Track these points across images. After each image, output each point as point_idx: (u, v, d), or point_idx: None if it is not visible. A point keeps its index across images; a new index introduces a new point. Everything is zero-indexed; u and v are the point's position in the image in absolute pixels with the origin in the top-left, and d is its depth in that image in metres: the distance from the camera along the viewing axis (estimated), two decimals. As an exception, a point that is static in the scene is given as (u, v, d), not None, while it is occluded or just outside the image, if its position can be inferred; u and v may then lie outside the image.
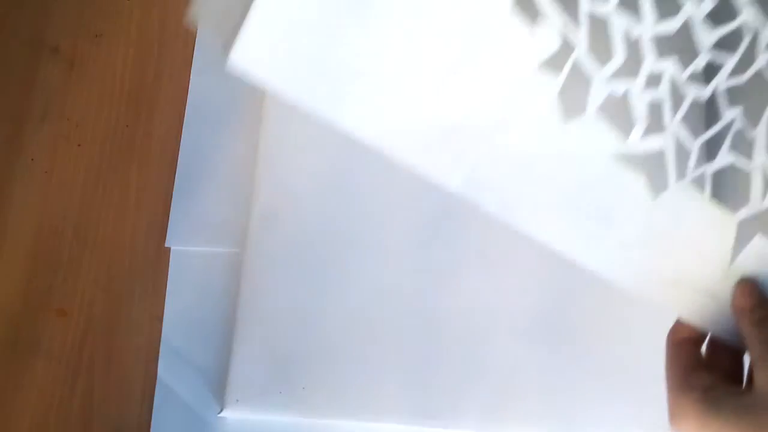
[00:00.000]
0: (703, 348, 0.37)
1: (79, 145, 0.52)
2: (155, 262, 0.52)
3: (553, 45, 0.32)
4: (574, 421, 0.48)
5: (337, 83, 0.32)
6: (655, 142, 0.34)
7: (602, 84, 0.33)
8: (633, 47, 0.33)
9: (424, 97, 0.33)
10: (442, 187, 0.33)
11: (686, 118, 0.34)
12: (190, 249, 0.53)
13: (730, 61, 0.34)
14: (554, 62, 0.33)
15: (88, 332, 0.49)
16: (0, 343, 0.49)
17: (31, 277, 0.51)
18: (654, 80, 0.34)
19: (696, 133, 0.34)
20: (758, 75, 0.34)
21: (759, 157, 0.35)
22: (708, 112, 0.36)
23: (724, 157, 0.34)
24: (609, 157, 0.34)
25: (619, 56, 0.33)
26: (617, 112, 0.34)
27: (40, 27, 0.55)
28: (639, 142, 0.34)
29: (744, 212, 0.35)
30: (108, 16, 0.54)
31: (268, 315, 0.51)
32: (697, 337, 0.37)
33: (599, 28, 0.33)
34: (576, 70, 0.33)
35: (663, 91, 0.34)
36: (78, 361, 0.49)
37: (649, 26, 0.33)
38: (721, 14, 0.34)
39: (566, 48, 0.33)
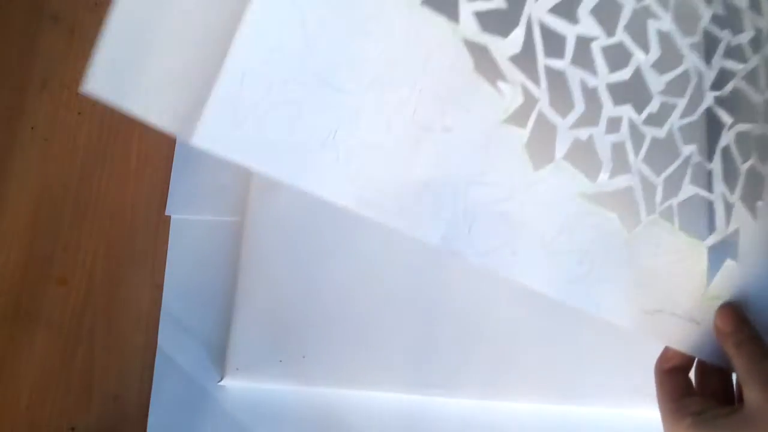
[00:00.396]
0: (692, 373, 0.38)
1: (79, 113, 0.52)
2: (156, 230, 0.52)
3: (517, 100, 0.35)
4: (575, 390, 0.48)
5: (305, 154, 0.34)
6: (622, 181, 0.36)
7: (566, 132, 0.35)
8: (591, 96, 0.36)
9: (396, 159, 0.35)
10: (423, 243, 0.35)
11: (648, 156, 0.36)
12: (191, 217, 0.52)
13: (681, 102, 0.37)
14: (520, 115, 0.35)
15: (89, 301, 0.49)
16: (0, 311, 0.49)
17: (31, 245, 0.50)
18: (614, 124, 0.36)
19: (660, 169, 0.36)
20: (707, 112, 0.37)
21: (718, 188, 0.37)
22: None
23: (687, 189, 0.37)
24: (581, 199, 0.36)
25: (579, 106, 0.36)
26: (584, 156, 0.36)
27: (39, -4, 0.55)
28: (608, 182, 0.36)
29: (712, 239, 0.37)
30: (107, -17, 0.54)
31: (268, 284, 0.51)
32: (685, 364, 0.38)
33: (558, 81, 0.35)
34: (541, 120, 0.35)
35: (623, 134, 0.36)
36: (78, 329, 0.49)
37: (604, 76, 0.36)
38: (668, 60, 0.37)
39: (530, 101, 0.35)
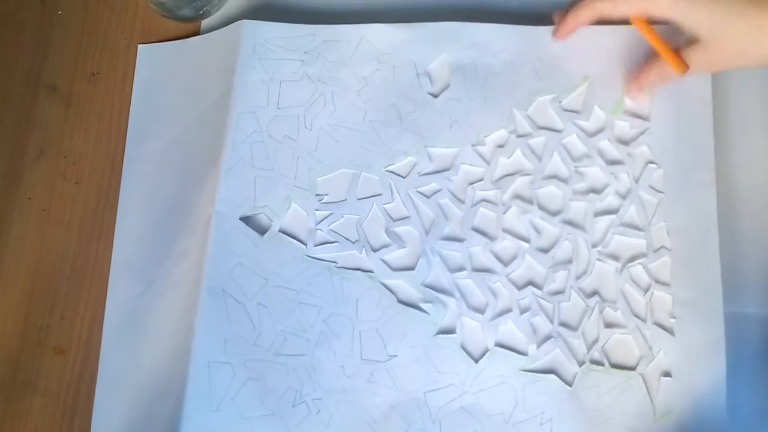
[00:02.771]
0: None
1: (76, 183, 0.52)
2: (152, 298, 0.52)
3: (441, 313, 0.42)
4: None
5: (281, 417, 0.42)
6: (549, 347, 0.42)
7: (489, 324, 0.43)
8: (498, 290, 0.43)
9: (358, 395, 0.42)
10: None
11: (562, 320, 0.43)
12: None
13: (572, 267, 0.43)
14: (447, 324, 0.43)
15: (85, 370, 0.49)
16: (-3, 381, 0.49)
17: (28, 314, 0.50)
18: (524, 305, 0.43)
19: (575, 325, 0.42)
20: (598, 265, 0.44)
21: (630, 323, 0.42)
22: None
23: (604, 333, 0.42)
24: (522, 372, 0.42)
25: (491, 301, 0.43)
26: (511, 338, 0.42)
27: (37, 66, 0.55)
28: (537, 352, 0.42)
29: (642, 366, 0.42)
30: (104, 55, 0.54)
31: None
32: None
33: (468, 288, 0.43)
34: (466, 323, 0.43)
35: (535, 310, 0.43)
36: (75, 399, 0.48)
37: (502, 272, 0.43)
38: (548, 240, 0.44)
39: (452, 311, 0.43)
